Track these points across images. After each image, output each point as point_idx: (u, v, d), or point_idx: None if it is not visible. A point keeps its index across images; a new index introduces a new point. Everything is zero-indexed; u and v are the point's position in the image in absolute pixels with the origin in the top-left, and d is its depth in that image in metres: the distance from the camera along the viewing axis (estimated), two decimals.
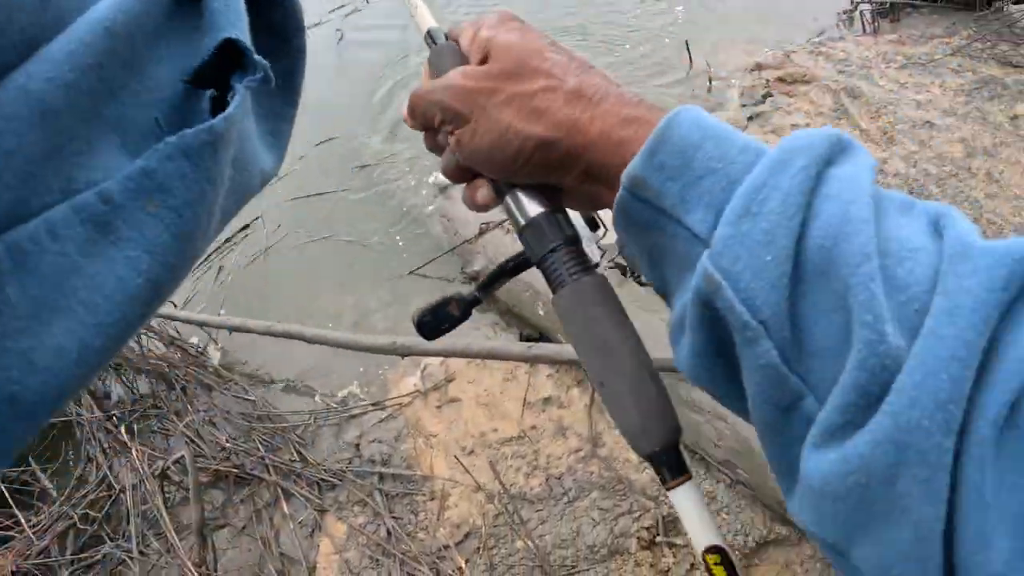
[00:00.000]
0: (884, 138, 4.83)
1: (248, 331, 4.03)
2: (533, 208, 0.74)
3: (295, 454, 3.84)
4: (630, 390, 0.68)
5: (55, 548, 3.74)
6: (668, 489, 0.67)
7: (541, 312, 3.86)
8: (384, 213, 5.06)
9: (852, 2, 6.48)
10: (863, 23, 6.25)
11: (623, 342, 0.70)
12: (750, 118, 4.96)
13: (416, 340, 3.45)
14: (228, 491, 3.83)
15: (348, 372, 4.18)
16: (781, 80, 5.37)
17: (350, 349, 3.78)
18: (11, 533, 3.83)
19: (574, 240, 0.74)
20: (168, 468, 3.83)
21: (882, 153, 4.73)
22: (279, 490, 3.75)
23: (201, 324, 4.24)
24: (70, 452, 4.34)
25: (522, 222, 0.76)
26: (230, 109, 0.39)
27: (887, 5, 6.39)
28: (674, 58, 5.60)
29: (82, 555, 3.73)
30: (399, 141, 5.49)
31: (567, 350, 3.21)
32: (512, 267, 0.84)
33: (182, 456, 3.75)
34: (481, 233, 4.36)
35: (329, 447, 3.89)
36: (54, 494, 4.04)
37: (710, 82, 5.35)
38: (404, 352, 3.56)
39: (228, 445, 3.92)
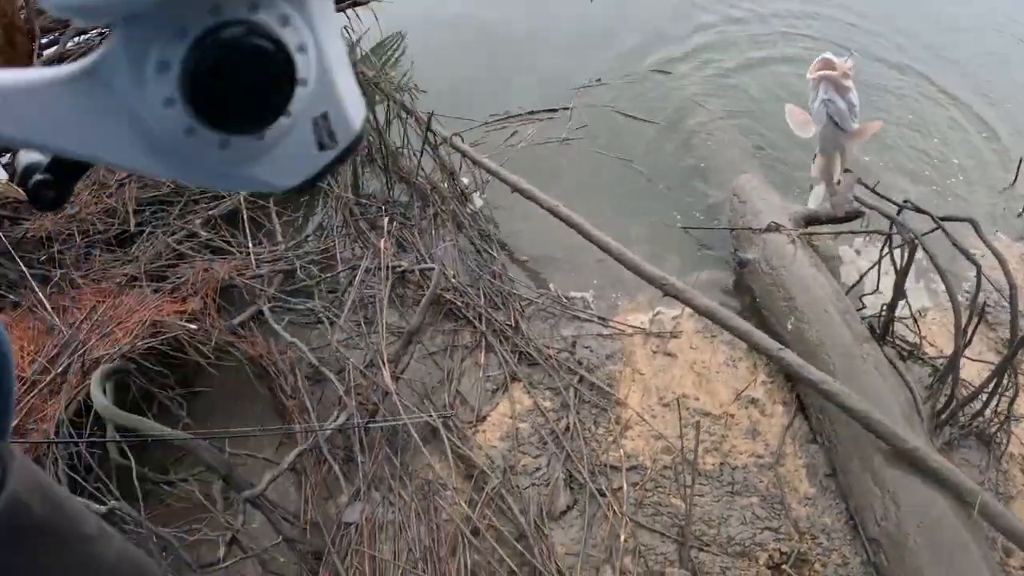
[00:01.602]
0: None
1: (532, 198, 3.96)
2: None
3: (512, 320, 3.74)
4: None
5: (267, 282, 3.76)
6: None
7: (789, 327, 3.62)
8: (683, 164, 4.91)
9: None
10: None
11: None
12: None
13: (684, 287, 3.40)
14: (436, 319, 3.77)
15: (587, 280, 4.11)
16: None
17: (617, 260, 3.62)
18: (233, 251, 3.89)
19: None
20: (408, 271, 3.81)
21: None
22: (484, 340, 3.66)
23: (491, 171, 4.19)
24: (304, 212, 4.43)
25: None
26: None
27: None
28: (997, 167, 5.20)
29: (291, 298, 3.74)
30: (732, 117, 5.32)
31: (808, 370, 3.06)
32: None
33: (431, 267, 3.74)
34: (767, 230, 4.13)
35: (540, 331, 3.81)
36: (280, 238, 4.10)
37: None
38: (668, 291, 3.44)
39: (454, 281, 3.86)
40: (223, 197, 4.22)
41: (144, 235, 3.92)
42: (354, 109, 0.65)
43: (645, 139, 5.13)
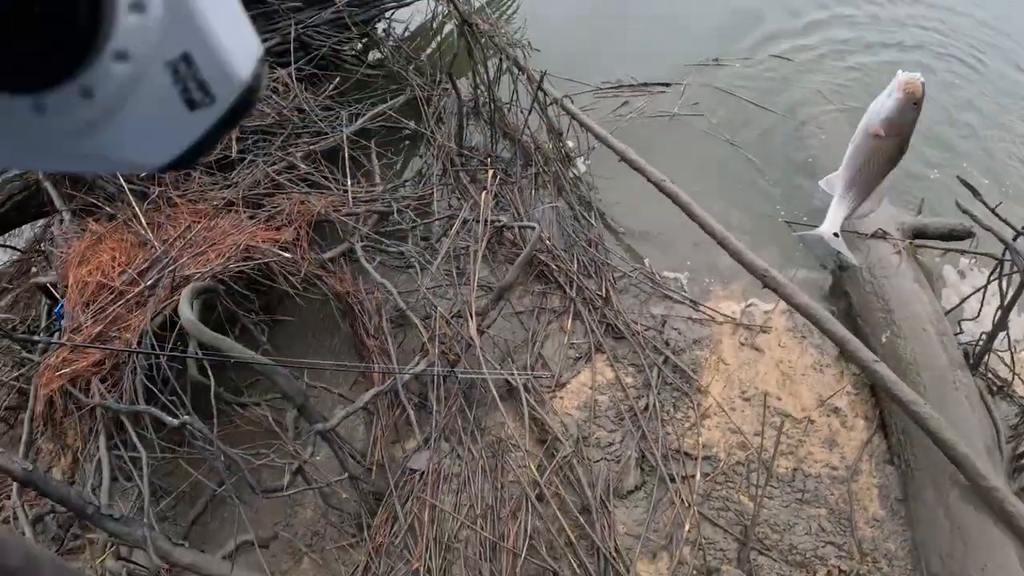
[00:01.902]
0: None
1: (639, 169, 3.83)
2: None
3: (603, 290, 3.63)
4: None
5: (362, 220, 3.73)
6: None
7: (884, 340, 3.41)
8: (794, 158, 4.67)
9: None
10: None
11: None
12: None
13: (785, 281, 3.26)
14: (527, 280, 3.68)
15: (682, 261, 3.97)
16: None
17: (720, 243, 3.47)
18: (331, 187, 3.87)
19: None
20: (507, 227, 3.73)
21: None
22: (573, 307, 3.57)
23: (600, 137, 4.07)
24: (404, 156, 4.39)
25: None
26: None
27: None
28: None
29: (384, 240, 3.70)
30: (850, 113, 5.03)
31: (901, 388, 2.90)
32: None
33: (531, 227, 3.64)
34: (873, 235, 3.91)
35: (630, 305, 3.69)
36: (379, 180, 4.06)
37: None
38: (768, 283, 3.29)
39: (549, 244, 3.77)
40: (326, 133, 4.19)
41: (245, 162, 3.92)
42: (237, 48, 0.45)
43: (757, 126, 4.88)
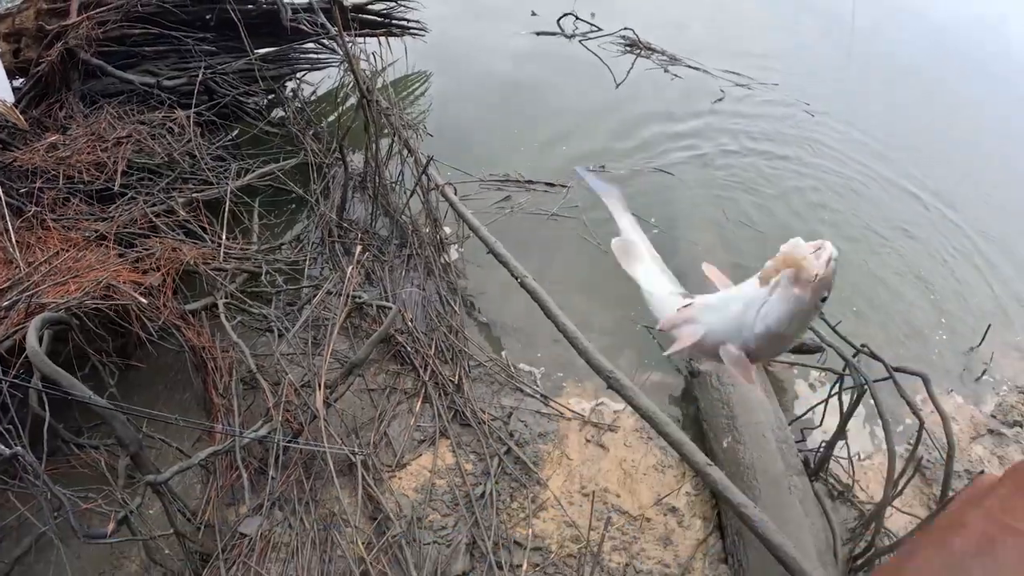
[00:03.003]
0: None
1: (504, 263, 4.02)
2: None
3: (457, 377, 3.79)
4: None
5: (230, 277, 3.80)
6: None
7: (725, 445, 3.71)
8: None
9: None
10: None
11: None
12: (991, 431, 4.71)
13: (629, 384, 3.41)
14: (382, 358, 3.81)
15: (540, 355, 4.17)
16: None
17: (571, 342, 3.69)
18: (206, 238, 3.93)
19: None
20: (365, 303, 3.86)
21: None
22: (424, 390, 3.71)
23: (472, 228, 4.27)
24: (284, 219, 4.47)
25: None
26: None
27: None
28: (969, 330, 5.42)
29: (248, 300, 3.77)
30: (723, 228, 5.49)
31: (731, 491, 3.08)
32: None
33: (389, 307, 3.79)
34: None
35: (481, 394, 3.86)
36: (255, 239, 4.14)
37: (983, 374, 5.13)
38: (613, 384, 3.50)
39: (410, 325, 3.92)
40: (212, 183, 4.26)
41: (125, 198, 3.93)
42: None
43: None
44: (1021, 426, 4.85)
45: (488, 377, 3.94)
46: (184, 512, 2.89)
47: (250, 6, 5.28)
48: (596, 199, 5.31)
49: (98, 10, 4.74)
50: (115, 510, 2.78)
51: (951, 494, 3.17)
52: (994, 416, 4.85)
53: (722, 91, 7.81)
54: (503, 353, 4.11)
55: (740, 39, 9.56)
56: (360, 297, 3.88)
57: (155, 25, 4.92)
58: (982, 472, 3.23)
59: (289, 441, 3.08)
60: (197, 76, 4.75)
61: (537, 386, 3.99)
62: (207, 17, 5.07)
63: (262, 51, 5.35)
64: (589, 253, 4.94)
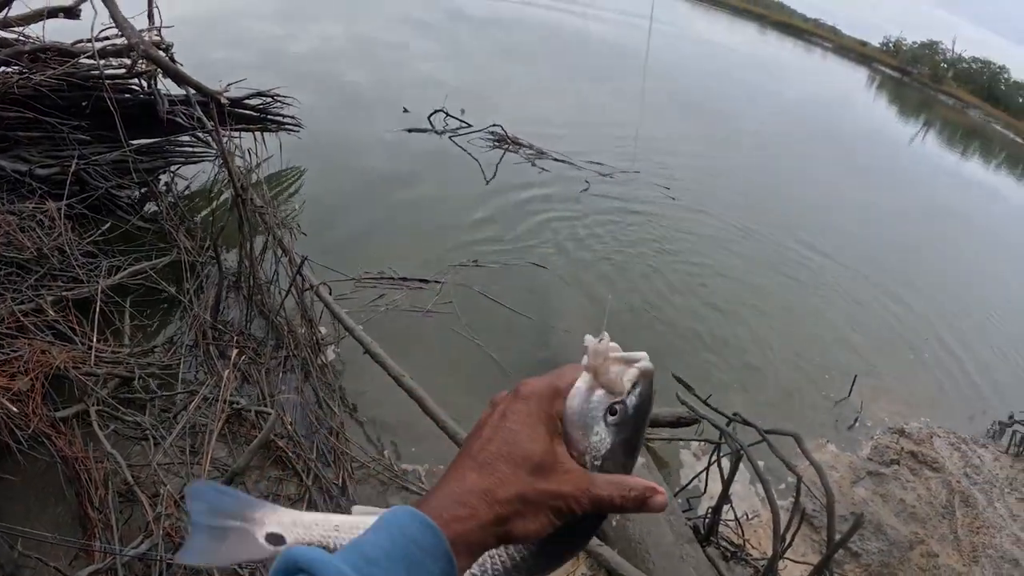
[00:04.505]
0: (971, 555, 4.85)
1: (380, 363, 4.16)
2: None
3: (340, 480, 3.84)
4: None
5: (102, 382, 3.73)
6: None
7: (614, 524, 3.83)
8: (538, 358, 5.25)
9: (1009, 418, 6.51)
10: (1011, 442, 6.25)
11: None
12: (870, 472, 5.15)
13: None
14: (264, 464, 3.81)
15: (423, 453, 4.26)
16: (913, 455, 5.55)
17: (451, 438, 3.84)
18: (76, 340, 3.85)
19: None
20: (243, 409, 3.86)
21: (961, 567, 4.74)
22: (308, 495, 3.73)
23: (347, 328, 4.38)
24: (157, 319, 4.42)
25: None
26: None
27: None
28: (840, 383, 5.95)
29: (121, 407, 3.70)
30: (594, 320, 5.78)
31: (625, 567, 3.36)
32: None
33: (267, 412, 3.81)
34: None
35: (367, 496, 3.88)
36: (127, 341, 4.09)
37: (855, 422, 5.64)
38: None
39: (290, 429, 3.95)
40: (82, 281, 4.17)
41: None
42: None
43: (507, 327, 5.48)
44: (898, 463, 5.37)
45: (373, 478, 4.00)
46: None
47: (127, 95, 5.26)
48: (474, 295, 5.61)
49: None
50: None
51: (838, 537, 3.36)
52: (871, 459, 5.36)
53: (587, 181, 8.37)
54: (386, 452, 4.19)
55: (605, 131, 10.36)
56: (238, 402, 3.88)
57: (30, 109, 4.81)
58: (862, 514, 3.57)
59: (172, 558, 3.04)
60: (70, 166, 4.66)
61: (423, 483, 4.08)
62: (83, 104, 4.99)
63: (137, 142, 5.31)
64: (465, 347, 5.14)
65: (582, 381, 0.74)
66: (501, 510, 0.66)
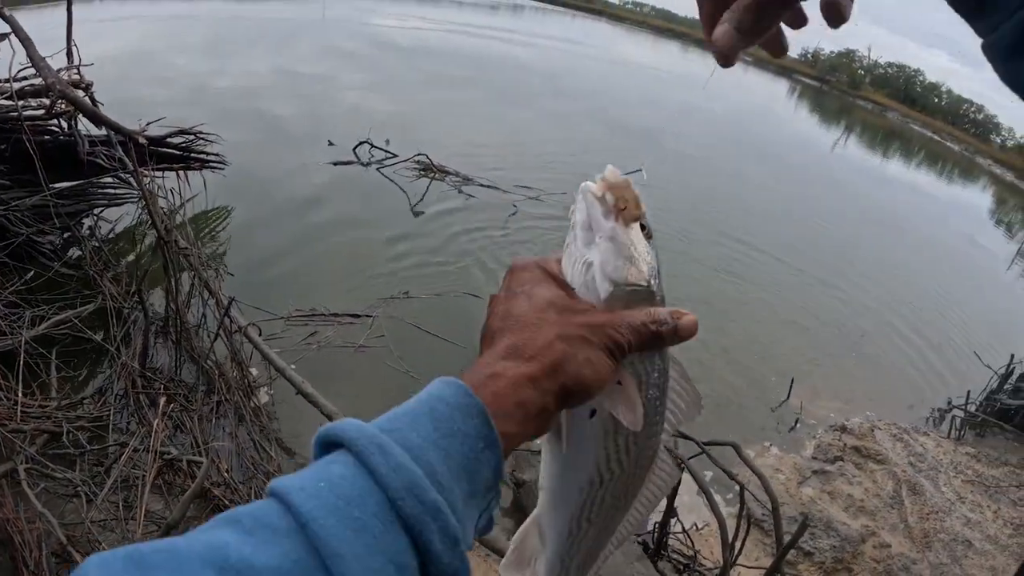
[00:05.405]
0: (923, 541, 4.97)
1: (314, 403, 4.15)
2: None
3: None
4: None
5: (29, 439, 3.66)
6: None
7: None
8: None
9: (947, 404, 6.82)
10: (951, 427, 6.52)
11: None
12: (815, 471, 5.31)
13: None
14: (202, 515, 3.77)
15: None
16: (856, 450, 5.71)
17: None
18: (2, 396, 3.77)
19: None
20: (175, 458, 3.82)
21: (915, 554, 4.85)
22: None
23: (278, 369, 4.36)
24: (87, 370, 4.34)
25: None
26: None
27: (978, 419, 6.66)
28: (778, 386, 6.13)
29: (51, 464, 3.63)
30: None
31: None
32: None
33: (199, 461, 3.77)
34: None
35: None
36: (55, 394, 4.02)
37: (796, 423, 5.79)
38: None
39: (226, 476, 3.92)
40: (4, 332, 4.08)
41: None
42: None
43: (440, 356, 5.48)
44: (843, 459, 5.53)
45: None
46: None
47: (47, 137, 5.16)
48: (407, 327, 5.61)
49: None
50: None
51: (786, 540, 3.40)
52: (815, 458, 5.51)
53: (515, 205, 8.48)
54: None
55: (529, 154, 10.52)
56: (169, 452, 3.84)
57: None
58: (807, 516, 3.67)
59: None
60: None
61: None
62: (1, 148, 4.89)
63: (59, 185, 5.22)
64: (400, 379, 5.15)
65: (606, 221, 0.73)
66: (544, 359, 0.65)
